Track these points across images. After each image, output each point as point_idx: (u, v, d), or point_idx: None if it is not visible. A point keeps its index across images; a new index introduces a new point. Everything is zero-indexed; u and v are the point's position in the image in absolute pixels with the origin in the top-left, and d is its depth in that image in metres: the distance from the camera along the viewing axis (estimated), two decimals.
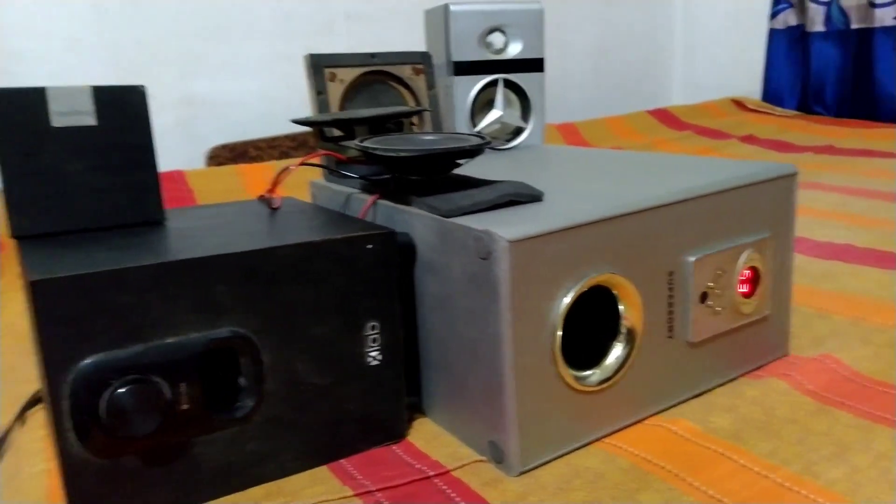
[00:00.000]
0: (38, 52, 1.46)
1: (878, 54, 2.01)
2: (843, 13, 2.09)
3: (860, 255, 0.89)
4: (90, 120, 0.52)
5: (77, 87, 0.51)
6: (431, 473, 0.48)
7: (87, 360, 0.41)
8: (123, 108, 0.53)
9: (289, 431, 0.49)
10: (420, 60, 0.77)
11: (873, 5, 2.02)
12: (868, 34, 2.04)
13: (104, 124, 0.53)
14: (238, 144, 1.63)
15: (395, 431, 0.53)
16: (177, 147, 1.60)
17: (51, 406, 0.41)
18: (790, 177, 0.60)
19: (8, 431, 0.57)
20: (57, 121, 0.51)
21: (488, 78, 0.87)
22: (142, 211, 0.55)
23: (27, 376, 0.67)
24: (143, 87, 0.54)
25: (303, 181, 0.77)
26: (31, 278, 0.40)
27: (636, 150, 1.77)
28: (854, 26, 2.07)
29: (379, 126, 0.64)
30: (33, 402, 0.61)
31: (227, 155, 1.62)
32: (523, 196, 0.52)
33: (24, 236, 0.52)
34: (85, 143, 0.52)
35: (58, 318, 0.40)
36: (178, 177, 1.30)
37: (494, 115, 0.87)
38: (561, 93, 2.17)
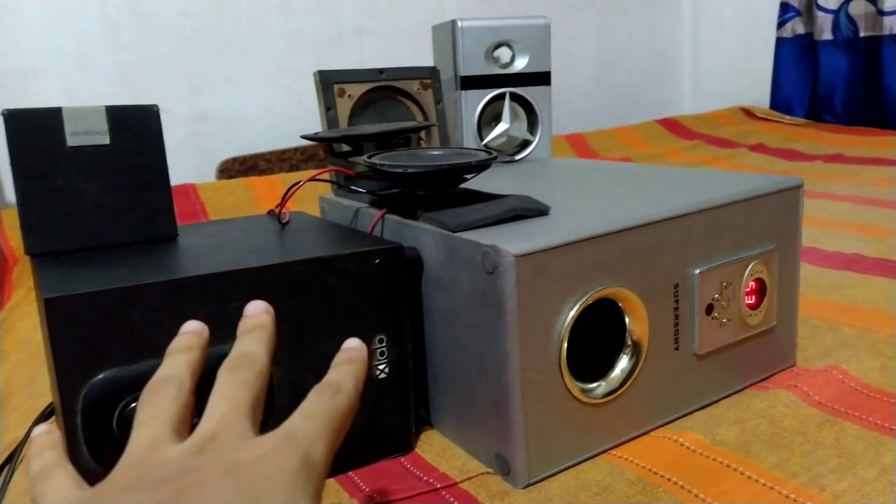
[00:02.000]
0: (51, 70, 1.48)
1: (886, 62, 2.01)
2: (852, 21, 2.09)
3: (869, 265, 0.89)
4: (104, 139, 0.53)
5: (91, 108, 0.52)
6: (439, 486, 0.49)
7: (100, 376, 0.42)
8: (137, 127, 0.54)
9: None
10: (428, 75, 0.78)
11: (882, 13, 2.01)
12: (877, 42, 2.03)
13: (118, 143, 0.54)
14: (248, 158, 1.65)
15: (402, 444, 0.54)
16: (188, 161, 1.62)
17: (64, 421, 0.42)
18: (795, 189, 0.61)
19: (21, 445, 0.58)
20: (72, 140, 0.52)
21: (495, 91, 0.87)
22: (155, 228, 0.56)
23: (40, 391, 0.68)
24: (156, 106, 0.55)
25: (312, 195, 0.78)
26: (45, 295, 0.41)
27: (645, 159, 1.78)
28: (863, 34, 2.07)
29: (387, 141, 0.65)
30: (45, 415, 0.62)
31: (238, 168, 1.63)
32: (530, 210, 0.53)
33: (38, 253, 0.53)
34: (99, 161, 0.53)
35: (71, 334, 0.41)
36: (189, 190, 1.32)
37: (501, 128, 0.88)
38: (567, 103, 2.18)
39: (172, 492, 0.24)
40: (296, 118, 1.72)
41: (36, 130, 0.51)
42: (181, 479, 0.25)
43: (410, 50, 1.83)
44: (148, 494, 0.25)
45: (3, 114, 0.50)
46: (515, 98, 0.89)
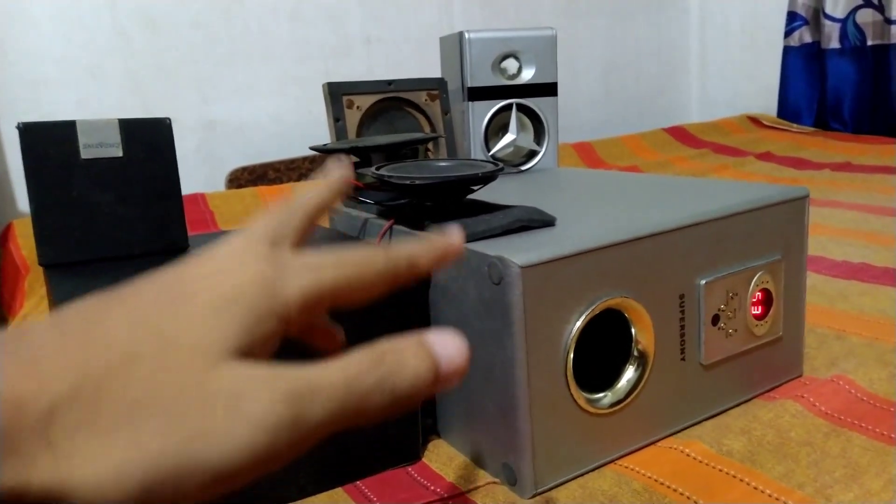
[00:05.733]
0: (63, 80, 1.50)
1: (894, 70, 2.01)
2: (859, 30, 2.09)
3: (877, 274, 0.89)
4: (117, 151, 0.54)
5: (105, 120, 0.53)
6: (446, 495, 0.49)
7: None
8: (149, 139, 0.55)
9: (306, 453, 0.50)
10: (435, 87, 0.79)
11: (889, 22, 2.01)
12: (884, 51, 2.03)
13: (130, 155, 0.55)
14: (257, 167, 1.66)
15: (410, 453, 0.54)
16: (198, 170, 1.63)
17: None
18: (802, 199, 0.61)
19: None
20: (85, 153, 0.53)
21: (502, 102, 0.88)
22: (166, 238, 0.57)
23: None
24: (168, 119, 0.56)
25: None
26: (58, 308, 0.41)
27: (652, 167, 1.78)
28: (870, 43, 2.07)
29: (395, 152, 0.66)
30: None
31: (247, 177, 1.64)
32: (535, 221, 0.53)
33: (52, 264, 0.53)
34: (112, 173, 0.54)
35: None
36: (199, 199, 1.33)
37: (508, 138, 0.89)
38: (574, 110, 2.18)
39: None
40: (304, 126, 1.73)
41: (50, 143, 0.52)
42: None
43: (418, 58, 1.84)
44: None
45: (18, 127, 0.51)
46: (522, 109, 0.90)
